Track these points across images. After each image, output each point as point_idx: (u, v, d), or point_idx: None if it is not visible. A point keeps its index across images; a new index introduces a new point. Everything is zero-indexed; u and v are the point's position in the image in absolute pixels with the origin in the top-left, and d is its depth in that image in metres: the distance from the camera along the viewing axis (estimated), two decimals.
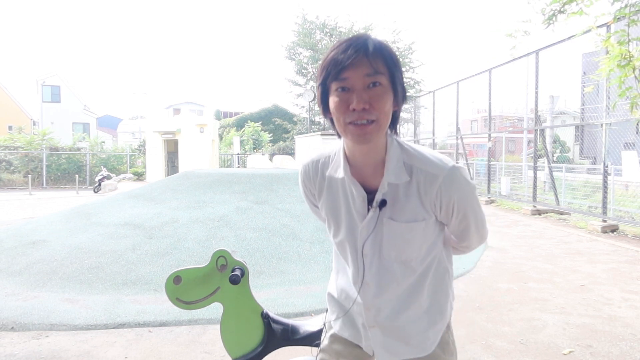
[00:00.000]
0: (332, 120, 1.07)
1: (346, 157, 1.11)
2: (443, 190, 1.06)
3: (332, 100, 1.02)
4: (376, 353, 1.23)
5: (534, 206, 9.90)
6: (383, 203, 1.08)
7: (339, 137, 1.11)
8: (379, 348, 1.21)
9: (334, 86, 1.01)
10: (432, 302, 1.20)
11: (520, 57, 10.10)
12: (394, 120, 1.07)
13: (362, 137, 1.00)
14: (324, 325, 1.38)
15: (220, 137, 29.62)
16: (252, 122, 29.34)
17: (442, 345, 1.23)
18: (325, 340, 1.34)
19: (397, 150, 1.08)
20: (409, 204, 1.08)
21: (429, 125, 16.17)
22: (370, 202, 1.10)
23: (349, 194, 1.13)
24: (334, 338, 1.32)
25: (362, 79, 0.98)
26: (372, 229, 1.11)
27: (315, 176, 1.20)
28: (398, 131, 1.13)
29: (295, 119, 27.33)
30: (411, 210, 1.09)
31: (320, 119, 24.00)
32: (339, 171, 1.12)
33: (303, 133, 20.47)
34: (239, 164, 23.56)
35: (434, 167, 1.06)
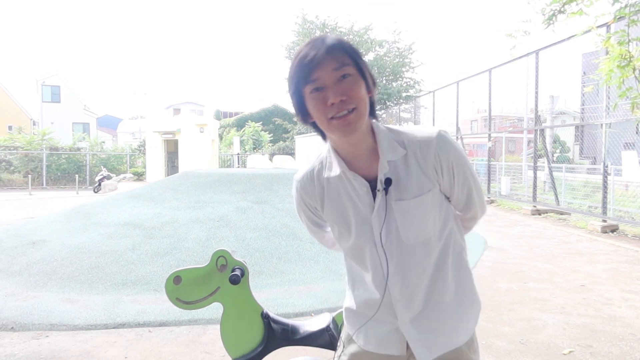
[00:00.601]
0: (314, 125, 1.11)
1: (338, 155, 1.14)
2: (439, 152, 1.10)
3: (310, 104, 1.05)
4: (415, 352, 1.17)
5: (534, 206, 9.90)
6: (388, 182, 1.09)
7: (324, 138, 1.15)
8: (418, 346, 1.16)
9: (307, 90, 1.04)
10: (458, 283, 1.18)
11: (520, 57, 10.10)
12: (372, 107, 1.11)
13: (347, 127, 1.03)
14: (340, 341, 1.32)
15: (220, 137, 29.63)
16: (252, 122, 29.35)
17: (469, 342, 1.21)
18: (344, 357, 1.28)
19: (385, 132, 1.13)
20: (411, 178, 1.10)
21: (409, 127, 16.10)
22: (374, 190, 1.12)
23: (350, 190, 1.14)
24: (357, 356, 1.25)
25: (331, 74, 1.02)
26: (384, 215, 1.11)
27: (313, 186, 1.19)
28: (377, 117, 1.16)
29: (295, 119, 27.30)
30: (416, 184, 1.10)
31: None
32: (334, 168, 1.14)
33: (303, 133, 20.47)
34: (239, 164, 23.57)
35: (424, 134, 1.12)
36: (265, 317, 1.62)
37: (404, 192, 1.10)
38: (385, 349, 1.21)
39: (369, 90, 1.08)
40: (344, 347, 1.30)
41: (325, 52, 1.01)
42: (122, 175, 21.25)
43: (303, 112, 1.09)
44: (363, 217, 1.14)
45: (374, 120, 1.13)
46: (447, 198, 1.18)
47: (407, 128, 1.16)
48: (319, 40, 1.04)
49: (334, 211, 1.18)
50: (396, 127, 1.16)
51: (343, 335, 1.31)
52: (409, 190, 1.10)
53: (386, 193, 1.10)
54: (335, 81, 1.02)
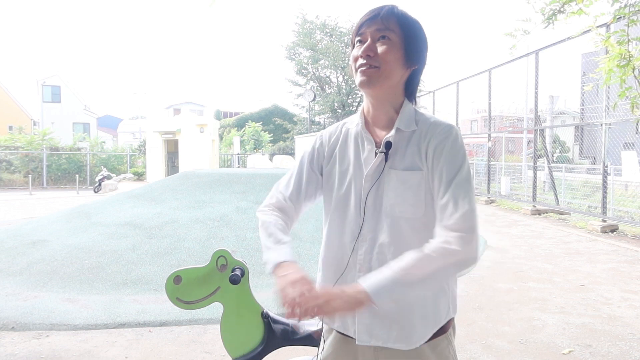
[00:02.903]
0: None
1: (363, 113, 1.24)
2: (439, 134, 1.13)
3: (352, 53, 1.18)
4: (357, 333, 1.16)
5: (534, 206, 9.90)
6: (388, 145, 1.15)
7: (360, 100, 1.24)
8: (362, 328, 1.15)
9: (355, 40, 1.17)
10: (423, 293, 1.14)
11: (520, 57, 10.10)
12: (410, 84, 1.19)
13: (365, 78, 1.13)
14: (322, 323, 1.31)
15: (221, 137, 29.63)
16: (253, 122, 29.35)
17: (434, 344, 1.16)
18: (323, 339, 1.30)
19: (412, 110, 1.19)
20: (408, 151, 1.15)
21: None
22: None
23: (359, 145, 1.22)
24: (327, 333, 1.27)
25: (373, 33, 1.13)
26: (377, 177, 1.16)
27: (334, 133, 1.30)
28: (416, 100, 1.24)
29: (295, 119, 27.33)
30: (410, 158, 1.14)
31: (320, 119, 24.03)
32: (355, 123, 1.25)
33: (303, 133, 20.47)
34: (239, 164, 23.58)
35: (439, 122, 1.17)
36: (266, 317, 1.62)
37: (398, 162, 1.15)
38: (345, 328, 1.20)
39: (409, 64, 1.16)
40: (324, 342, 1.30)
41: (378, 14, 1.13)
42: (122, 175, 21.28)
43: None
44: (359, 172, 1.20)
45: (406, 100, 1.20)
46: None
47: (434, 116, 1.21)
48: (380, 6, 1.15)
49: (339, 156, 1.25)
50: (424, 111, 1.24)
51: (324, 326, 1.30)
52: (402, 161, 1.15)
53: (386, 159, 1.15)
54: (375, 39, 1.13)
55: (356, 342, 1.17)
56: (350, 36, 1.21)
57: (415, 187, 1.12)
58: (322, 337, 1.33)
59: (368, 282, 1.02)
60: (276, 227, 1.26)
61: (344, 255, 1.20)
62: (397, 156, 1.15)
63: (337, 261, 1.22)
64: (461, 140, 1.14)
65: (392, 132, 1.16)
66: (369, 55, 1.12)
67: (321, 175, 1.29)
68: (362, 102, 1.24)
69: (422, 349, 1.15)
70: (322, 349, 1.31)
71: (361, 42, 1.15)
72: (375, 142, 1.19)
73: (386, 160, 1.15)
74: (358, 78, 1.15)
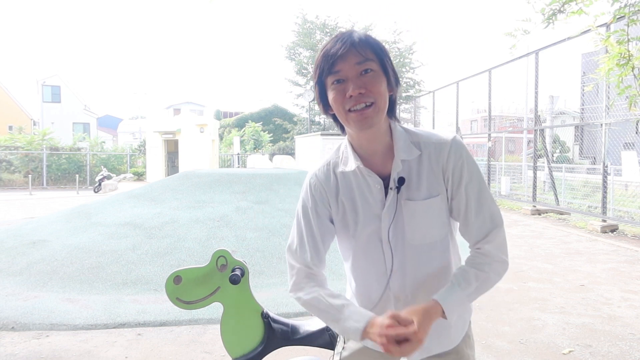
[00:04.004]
0: (334, 117, 1.13)
1: (354, 150, 1.15)
2: (452, 154, 1.11)
3: (330, 95, 1.08)
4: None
5: (534, 206, 9.90)
6: (401, 181, 1.11)
7: (343, 132, 1.16)
8: None
9: (329, 80, 1.07)
10: None
11: (520, 57, 10.10)
12: (392, 105, 1.13)
13: (364, 121, 1.05)
14: (340, 337, 1.33)
15: (221, 137, 29.62)
16: (252, 122, 29.34)
17: (465, 339, 1.24)
18: (343, 351, 1.29)
19: (402, 132, 1.14)
20: (422, 179, 1.12)
21: (429, 126, 16.17)
22: (386, 187, 1.13)
23: (364, 186, 1.15)
24: (357, 352, 1.27)
25: (354, 67, 1.04)
26: (394, 213, 1.12)
27: (328, 180, 1.19)
28: (398, 117, 1.18)
29: (295, 119, 27.32)
30: (426, 186, 1.12)
31: (320, 119, 24.02)
32: (350, 163, 1.15)
33: (303, 133, 20.47)
34: (239, 164, 23.57)
35: (440, 138, 1.13)
36: (266, 317, 1.62)
37: (415, 192, 1.12)
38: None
39: (391, 89, 1.10)
40: (344, 342, 1.31)
41: (350, 46, 1.03)
42: (122, 175, 21.28)
43: (324, 103, 1.12)
44: (373, 212, 1.15)
45: (392, 120, 1.15)
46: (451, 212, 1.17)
47: (423, 130, 1.17)
48: (347, 34, 1.06)
49: (346, 203, 1.17)
50: (413, 128, 1.18)
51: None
52: (419, 191, 1.12)
53: (398, 192, 1.11)
54: (357, 75, 1.04)
55: None
56: (316, 74, 1.10)
57: (438, 211, 1.13)
58: (340, 339, 1.33)
59: (442, 297, 1.07)
60: (325, 298, 1.15)
61: (376, 289, 1.20)
62: (412, 186, 1.12)
63: (368, 294, 1.23)
64: (466, 147, 1.14)
65: (399, 166, 1.11)
66: (361, 93, 1.03)
67: (332, 223, 1.21)
68: None
69: (459, 345, 1.23)
70: (339, 352, 1.30)
71: (339, 81, 1.05)
72: (379, 175, 1.13)
73: (398, 192, 1.11)
74: (354, 122, 1.05)
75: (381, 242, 1.15)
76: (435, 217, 1.13)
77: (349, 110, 1.05)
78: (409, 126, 1.19)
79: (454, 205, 1.13)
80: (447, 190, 1.12)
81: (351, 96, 1.03)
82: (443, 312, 1.05)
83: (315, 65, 1.09)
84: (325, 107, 1.12)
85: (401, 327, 0.99)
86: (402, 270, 1.16)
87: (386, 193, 1.13)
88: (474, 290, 1.09)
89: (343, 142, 1.20)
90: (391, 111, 1.13)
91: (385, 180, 1.13)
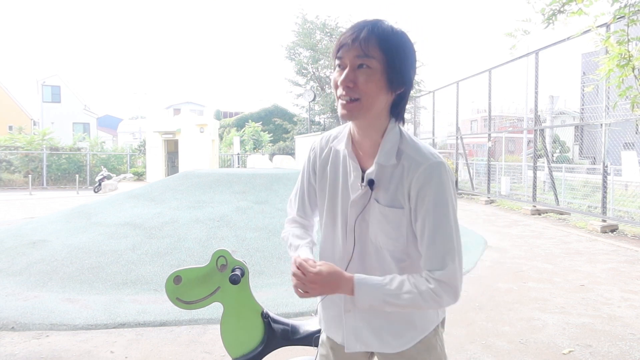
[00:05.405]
0: None
1: (350, 134, 1.19)
2: (422, 175, 1.07)
3: (333, 73, 1.13)
4: (345, 341, 1.22)
5: (534, 206, 9.90)
6: (370, 182, 1.13)
7: None
8: (349, 335, 1.21)
9: (335, 62, 1.11)
10: None
11: (520, 57, 10.10)
12: (395, 106, 1.12)
13: (346, 113, 1.08)
14: (320, 334, 1.39)
15: (221, 137, 29.62)
16: (252, 122, 29.34)
17: (428, 348, 1.21)
18: (319, 346, 1.36)
19: (396, 136, 1.13)
20: (391, 187, 1.12)
21: (429, 126, 16.17)
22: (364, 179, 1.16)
23: (347, 168, 1.19)
24: (322, 341, 1.34)
25: (353, 59, 1.06)
26: (362, 208, 1.15)
27: (324, 149, 1.27)
28: (404, 119, 1.16)
29: (295, 119, 27.30)
30: (392, 195, 1.12)
31: (320, 118, 24.01)
32: (342, 144, 1.20)
33: (303, 133, 20.47)
34: (239, 164, 23.57)
35: (422, 157, 1.10)
36: (266, 317, 1.63)
37: (382, 196, 1.13)
38: (332, 333, 1.27)
39: (395, 88, 1.08)
40: (321, 341, 1.37)
41: (358, 38, 1.05)
42: (122, 175, 21.27)
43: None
44: (347, 196, 1.19)
45: (392, 121, 1.13)
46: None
47: (419, 143, 1.14)
48: (362, 24, 1.07)
49: (330, 176, 1.24)
50: (412, 137, 1.15)
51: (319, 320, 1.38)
52: (386, 196, 1.13)
53: (371, 190, 1.13)
54: (354, 66, 1.06)
55: (345, 350, 1.23)
56: (334, 48, 1.14)
57: (397, 223, 1.12)
58: (320, 338, 1.37)
59: (360, 277, 1.09)
60: (292, 236, 1.30)
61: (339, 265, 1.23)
62: (381, 190, 1.13)
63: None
64: (446, 177, 1.08)
65: (373, 167, 1.12)
66: (348, 86, 1.06)
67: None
68: None
69: (410, 350, 1.20)
70: (318, 352, 1.36)
71: (340, 67, 1.08)
72: (361, 168, 1.16)
73: (372, 190, 1.13)
74: (339, 110, 1.09)
75: (346, 229, 1.19)
76: (393, 228, 1.12)
77: (338, 97, 1.09)
78: (410, 134, 1.17)
79: (416, 227, 1.10)
80: (410, 209, 1.11)
81: (341, 83, 1.07)
82: (352, 291, 1.07)
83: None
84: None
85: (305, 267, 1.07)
86: (361, 261, 1.19)
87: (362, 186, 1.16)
88: (396, 293, 1.05)
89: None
90: (394, 111, 1.13)
91: (364, 174, 1.16)
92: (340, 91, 1.08)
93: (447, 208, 1.07)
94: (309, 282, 1.06)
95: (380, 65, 1.05)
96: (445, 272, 1.06)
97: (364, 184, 1.13)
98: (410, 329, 1.19)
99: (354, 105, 1.06)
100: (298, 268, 1.08)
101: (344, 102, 1.07)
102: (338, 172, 1.22)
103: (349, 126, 1.19)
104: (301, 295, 1.09)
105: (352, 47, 1.05)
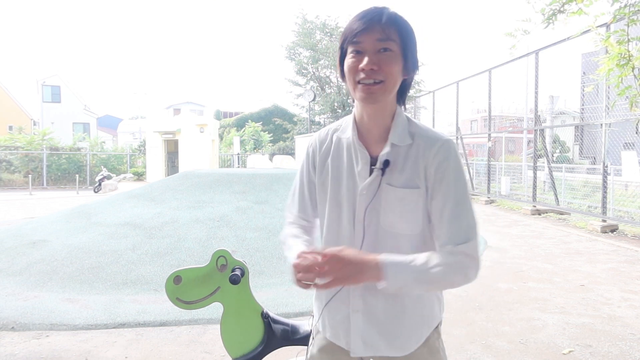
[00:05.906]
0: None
1: (355, 122, 1.18)
2: (440, 153, 1.10)
3: (347, 62, 1.11)
4: (352, 344, 1.17)
5: (534, 206, 9.90)
6: (386, 163, 1.11)
7: (354, 101, 1.18)
8: (356, 338, 1.16)
9: (349, 49, 1.10)
10: (421, 296, 1.17)
11: (520, 57, 10.10)
12: (403, 90, 1.15)
13: (369, 96, 1.08)
14: (311, 330, 1.33)
15: (221, 137, 29.62)
16: (252, 122, 29.34)
17: (430, 350, 1.19)
18: (311, 347, 1.30)
19: (404, 119, 1.16)
20: (406, 169, 1.12)
21: (429, 126, 16.15)
22: (373, 165, 1.15)
23: (353, 157, 1.17)
24: (318, 342, 1.28)
25: (374, 43, 1.06)
26: (372, 195, 1.12)
27: (324, 142, 1.25)
28: (405, 105, 1.20)
29: (295, 119, 27.29)
30: (408, 176, 1.11)
31: (320, 118, 24.00)
32: (347, 132, 1.19)
33: (303, 133, 20.48)
34: (239, 164, 23.58)
35: (435, 135, 1.14)
36: (265, 317, 1.63)
37: (396, 179, 1.12)
38: (336, 338, 1.22)
39: (406, 73, 1.12)
40: (313, 338, 1.32)
41: (377, 22, 1.06)
42: (122, 175, 21.27)
43: (342, 69, 1.14)
44: (354, 186, 1.16)
45: (399, 105, 1.17)
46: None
47: (425, 125, 1.18)
48: (378, 9, 1.08)
49: (332, 169, 1.21)
50: (415, 120, 1.19)
51: (313, 324, 1.33)
52: (400, 178, 1.12)
53: (382, 174, 1.12)
54: (375, 51, 1.06)
55: (350, 354, 1.19)
56: (341, 39, 1.13)
57: (414, 204, 1.11)
58: (311, 335, 1.33)
59: (386, 256, 1.02)
60: (290, 236, 1.26)
61: None
62: (395, 172, 1.12)
63: None
64: (459, 154, 1.13)
65: (387, 148, 1.12)
66: (373, 69, 1.06)
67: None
68: None
69: (415, 352, 1.18)
70: (309, 350, 1.31)
71: (358, 52, 1.08)
72: (370, 155, 1.14)
73: (382, 175, 1.12)
74: (360, 93, 1.08)
75: (354, 221, 1.16)
76: (409, 210, 1.11)
77: (358, 82, 1.08)
78: (412, 117, 1.20)
79: (433, 206, 1.10)
80: (427, 188, 1.11)
81: (363, 70, 1.06)
82: (379, 273, 0.99)
83: (343, 31, 1.12)
84: (342, 72, 1.14)
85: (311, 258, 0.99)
86: (371, 252, 1.14)
87: (371, 173, 1.14)
88: (425, 269, 1.01)
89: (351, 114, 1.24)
90: (401, 96, 1.16)
91: (373, 159, 1.15)
92: (360, 75, 1.07)
93: (466, 183, 1.11)
94: (335, 262, 0.96)
95: (399, 49, 1.08)
96: (469, 245, 1.05)
97: (378, 166, 1.12)
98: (418, 326, 1.17)
99: (379, 87, 1.07)
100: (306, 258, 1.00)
101: (368, 84, 1.07)
102: (342, 163, 1.19)
103: (352, 115, 1.20)
104: (307, 287, 1.00)
105: (372, 31, 1.06)
